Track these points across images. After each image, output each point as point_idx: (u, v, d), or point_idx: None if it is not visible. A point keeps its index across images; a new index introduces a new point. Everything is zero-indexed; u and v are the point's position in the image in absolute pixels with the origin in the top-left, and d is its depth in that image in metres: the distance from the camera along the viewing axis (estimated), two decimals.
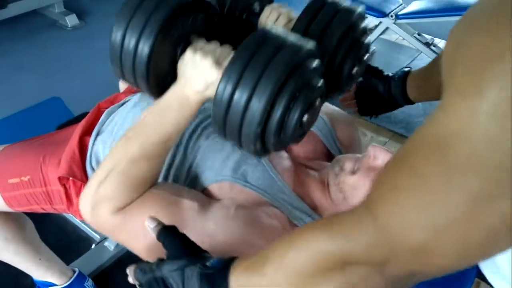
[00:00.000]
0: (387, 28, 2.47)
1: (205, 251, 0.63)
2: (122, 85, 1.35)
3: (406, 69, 1.02)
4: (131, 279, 0.64)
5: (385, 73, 1.06)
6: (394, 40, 3.00)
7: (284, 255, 0.52)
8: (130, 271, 0.64)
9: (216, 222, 0.74)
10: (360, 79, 1.05)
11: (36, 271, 1.28)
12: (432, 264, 0.43)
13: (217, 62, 0.68)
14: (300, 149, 0.89)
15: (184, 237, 0.65)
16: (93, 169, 0.96)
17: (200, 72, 0.69)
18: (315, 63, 0.67)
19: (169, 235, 0.65)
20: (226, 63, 0.66)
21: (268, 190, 0.80)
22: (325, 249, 0.48)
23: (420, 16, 2.40)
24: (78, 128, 1.02)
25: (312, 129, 0.89)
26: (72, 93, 2.04)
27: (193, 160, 0.85)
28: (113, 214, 0.72)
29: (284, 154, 0.87)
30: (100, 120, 1.02)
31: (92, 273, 1.49)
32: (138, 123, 0.75)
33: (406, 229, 0.42)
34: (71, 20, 2.96)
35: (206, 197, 0.80)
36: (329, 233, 0.48)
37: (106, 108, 1.05)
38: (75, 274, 1.37)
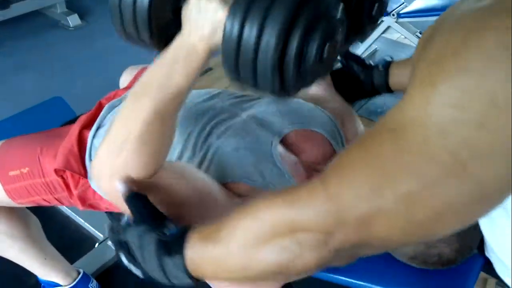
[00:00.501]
0: (388, 27, 2.47)
1: (168, 219, 0.63)
2: (123, 81, 1.36)
3: (388, 59, 1.02)
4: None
5: (367, 62, 1.06)
6: (396, 39, 2.99)
7: (238, 223, 0.53)
8: (106, 226, 0.67)
9: None
10: (339, 64, 1.06)
11: (41, 270, 1.28)
12: (375, 237, 0.46)
13: (225, 1, 0.62)
14: (310, 153, 0.88)
15: (150, 205, 0.65)
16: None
17: (206, 15, 0.63)
18: None
19: (136, 200, 0.65)
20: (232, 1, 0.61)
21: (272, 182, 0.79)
22: (278, 214, 0.50)
23: (421, 15, 2.40)
24: (78, 122, 1.02)
25: (320, 131, 0.89)
26: (74, 93, 2.05)
27: (203, 159, 0.84)
28: None
29: (294, 158, 0.86)
30: (101, 114, 1.01)
31: (95, 272, 1.49)
32: (145, 81, 0.69)
33: (353, 200, 0.45)
34: (73, 20, 2.97)
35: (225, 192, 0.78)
36: (282, 201, 0.50)
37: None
38: (80, 276, 1.37)
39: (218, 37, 0.62)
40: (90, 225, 1.62)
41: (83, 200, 0.99)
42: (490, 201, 0.42)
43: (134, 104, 0.68)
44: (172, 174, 0.73)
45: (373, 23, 0.81)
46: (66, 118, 1.44)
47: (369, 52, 2.73)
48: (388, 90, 1.02)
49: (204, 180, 0.76)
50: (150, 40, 0.72)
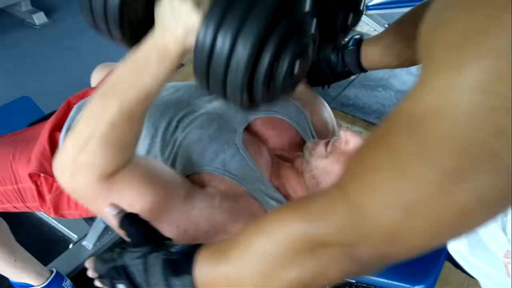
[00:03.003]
0: None
1: (169, 239, 0.61)
2: (94, 80, 1.34)
3: (357, 37, 0.99)
4: (90, 273, 0.62)
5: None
6: (365, 31, 3.04)
7: (251, 240, 0.50)
8: (89, 263, 0.62)
9: (201, 210, 0.73)
10: None
11: (12, 273, 1.26)
12: (404, 245, 0.42)
13: (198, 5, 0.60)
14: (276, 140, 0.90)
15: (147, 225, 0.63)
16: None
17: (180, 18, 0.61)
18: (307, 3, 0.61)
19: (132, 222, 0.63)
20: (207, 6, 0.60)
21: (246, 180, 0.80)
22: (295, 232, 0.46)
23: (390, 6, 2.44)
24: (48, 124, 1.00)
25: (285, 118, 0.90)
26: (42, 92, 2.00)
27: (170, 153, 0.84)
28: (97, 182, 0.68)
29: (261, 145, 0.87)
30: (70, 115, 1.00)
31: (70, 273, 1.47)
32: (114, 80, 0.67)
33: (378, 208, 0.41)
34: (39, 18, 2.90)
35: (192, 183, 0.78)
36: (300, 215, 0.47)
37: (76, 103, 1.04)
38: (53, 275, 1.35)
39: (191, 40, 0.60)
40: (63, 226, 1.60)
41: (56, 207, 0.98)
42: None
43: (101, 103, 0.67)
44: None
45: (347, 32, 0.80)
46: (34, 117, 1.41)
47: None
48: (361, 69, 0.99)
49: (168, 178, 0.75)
50: (121, 37, 0.70)
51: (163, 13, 0.63)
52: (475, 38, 0.34)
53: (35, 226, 1.62)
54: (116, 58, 1.58)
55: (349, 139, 0.78)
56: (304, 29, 0.61)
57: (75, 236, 1.57)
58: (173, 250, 0.57)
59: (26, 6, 2.93)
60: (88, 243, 1.53)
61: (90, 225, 1.52)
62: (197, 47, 0.58)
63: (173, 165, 0.83)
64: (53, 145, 0.97)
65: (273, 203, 0.79)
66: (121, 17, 0.66)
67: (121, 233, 0.64)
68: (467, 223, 0.40)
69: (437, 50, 0.37)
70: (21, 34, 2.83)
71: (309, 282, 0.47)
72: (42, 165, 0.93)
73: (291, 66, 0.59)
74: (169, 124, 0.87)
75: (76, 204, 0.97)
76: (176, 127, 0.87)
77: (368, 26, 2.72)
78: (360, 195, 0.42)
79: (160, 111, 0.90)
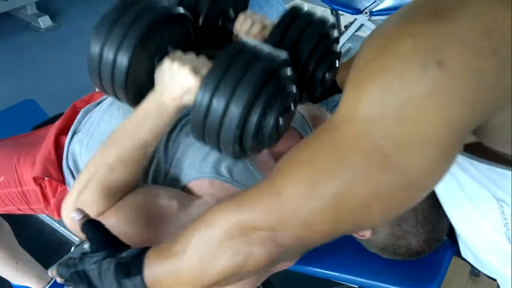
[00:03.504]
0: (362, 25, 2.50)
1: (126, 245, 0.64)
2: None
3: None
4: (57, 279, 0.66)
5: None
6: None
7: (193, 232, 0.55)
8: (52, 271, 0.66)
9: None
10: None
11: (13, 276, 1.26)
12: (315, 230, 0.49)
13: (195, 71, 0.70)
14: (280, 146, 0.90)
15: (107, 232, 0.66)
16: (69, 168, 0.95)
17: (178, 80, 0.71)
18: (289, 71, 0.71)
19: (93, 228, 0.66)
20: (203, 71, 0.70)
21: (249, 185, 0.80)
22: (229, 219, 0.52)
23: (394, 12, 2.44)
24: (54, 127, 1.01)
25: (292, 126, 0.90)
26: (47, 95, 2.01)
27: (172, 158, 0.85)
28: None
29: (264, 150, 0.87)
30: (76, 119, 1.01)
31: None
32: (117, 131, 0.76)
33: (295, 196, 0.48)
34: (44, 21, 2.92)
35: (187, 194, 0.80)
36: (234, 203, 0.53)
37: (82, 107, 1.04)
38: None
39: (187, 99, 0.71)
40: (65, 229, 1.59)
41: (60, 209, 0.97)
42: (415, 190, 0.46)
43: (102, 151, 0.76)
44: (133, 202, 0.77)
45: (325, 85, 0.87)
46: (38, 121, 1.42)
47: (344, 50, 2.76)
48: (336, 90, 1.03)
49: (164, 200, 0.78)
50: (126, 98, 0.77)
51: (162, 76, 0.73)
52: (372, 61, 0.44)
53: (37, 229, 1.62)
54: None
55: None
56: (286, 92, 0.70)
57: (77, 239, 1.55)
58: (124, 254, 0.60)
59: (31, 10, 2.95)
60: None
61: None
62: (195, 106, 0.67)
63: (174, 171, 0.84)
64: (58, 149, 0.97)
65: None
66: (126, 83, 0.74)
67: (83, 237, 0.67)
68: (366, 213, 0.47)
69: (351, 73, 0.47)
70: (26, 37, 2.84)
71: (241, 264, 0.52)
72: (47, 169, 0.94)
73: (276, 122, 0.69)
74: (173, 128, 0.88)
75: None
76: (180, 131, 0.87)
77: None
78: (282, 184, 0.49)
79: None
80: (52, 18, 2.97)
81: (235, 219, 0.52)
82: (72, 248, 1.56)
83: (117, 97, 0.79)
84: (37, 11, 2.97)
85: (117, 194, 0.76)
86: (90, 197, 0.74)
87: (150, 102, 0.74)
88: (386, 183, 0.44)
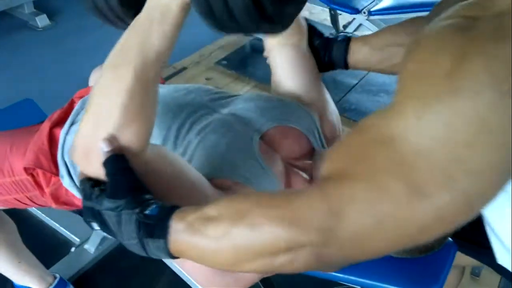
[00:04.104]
0: (360, 25, 2.50)
1: (147, 193, 0.60)
2: (92, 81, 1.34)
3: (348, 35, 1.01)
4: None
5: (325, 35, 1.04)
6: None
7: (234, 226, 0.52)
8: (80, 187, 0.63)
9: None
10: None
11: (15, 275, 1.26)
12: (368, 250, 0.48)
13: None
14: (289, 149, 0.88)
15: (130, 173, 0.60)
16: (64, 161, 0.92)
17: None
18: None
19: (117, 165, 0.60)
20: None
21: (266, 189, 0.78)
22: (279, 233, 0.49)
23: (393, 12, 2.44)
24: (49, 119, 0.99)
25: (298, 127, 0.90)
26: (45, 94, 2.01)
27: (183, 155, 0.82)
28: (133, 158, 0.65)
29: (275, 154, 0.87)
30: (74, 110, 0.98)
31: (72, 276, 1.47)
32: (120, 50, 0.66)
33: (353, 215, 0.46)
34: (42, 20, 2.91)
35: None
36: (285, 215, 0.50)
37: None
38: (56, 281, 1.35)
39: None
40: (65, 229, 1.59)
41: (56, 198, 0.96)
42: (475, 211, 0.45)
43: (114, 74, 0.64)
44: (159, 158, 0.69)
45: None
46: (36, 120, 1.41)
47: None
48: (345, 65, 1.00)
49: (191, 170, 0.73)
50: (120, 9, 0.71)
51: None
52: (442, 79, 0.41)
53: (37, 229, 1.61)
54: None
55: None
56: None
57: (77, 239, 1.56)
58: (147, 212, 0.57)
59: (29, 9, 2.94)
60: (90, 247, 1.53)
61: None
62: None
63: None
64: (52, 141, 0.95)
65: None
66: None
67: (98, 173, 0.62)
68: (425, 235, 0.46)
69: (408, 75, 0.44)
70: (24, 36, 2.83)
71: (277, 270, 0.51)
72: (38, 159, 0.92)
73: None
74: (182, 125, 0.86)
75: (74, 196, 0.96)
76: (190, 129, 0.85)
77: (370, 31, 2.72)
78: (340, 202, 0.47)
79: (173, 112, 0.88)
80: (49, 17, 2.96)
81: (284, 235, 0.49)
82: (73, 249, 1.56)
83: (111, 11, 0.71)
84: (35, 10, 2.96)
85: (144, 125, 0.65)
86: (118, 132, 0.63)
87: (150, 7, 0.64)
88: (450, 207, 0.43)
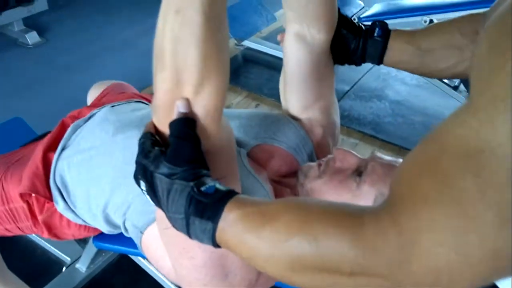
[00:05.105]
0: None
1: (206, 169, 0.55)
2: (90, 99, 1.32)
3: (386, 27, 0.88)
4: None
5: (358, 24, 0.90)
6: None
7: (292, 234, 0.46)
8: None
9: None
10: None
11: None
12: (446, 285, 0.40)
13: None
14: (275, 168, 0.86)
15: (195, 141, 0.55)
16: (56, 185, 0.92)
17: None
18: None
19: (184, 129, 0.54)
20: None
21: (260, 196, 0.76)
22: (343, 254, 0.44)
23: (382, 18, 2.44)
24: (42, 143, 0.98)
25: (283, 146, 0.87)
26: (35, 113, 1.99)
27: None
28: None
29: (262, 171, 0.84)
30: (65, 134, 0.98)
31: None
32: None
33: (433, 247, 0.38)
34: (32, 37, 2.90)
35: None
36: (352, 237, 0.43)
37: (71, 124, 1.02)
38: None
39: None
40: (56, 249, 1.56)
41: (48, 227, 0.96)
42: None
43: (181, 19, 0.53)
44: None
45: None
46: (26, 139, 1.40)
47: None
48: (380, 62, 0.88)
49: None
50: None
51: None
52: None
53: (27, 249, 1.59)
54: (109, 76, 1.57)
55: (342, 157, 0.77)
56: None
57: (68, 259, 1.54)
58: (203, 189, 0.52)
59: (18, 26, 2.93)
60: (82, 266, 1.50)
61: (83, 247, 1.50)
62: None
63: None
64: (46, 165, 0.94)
65: None
66: None
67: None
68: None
69: (496, 82, 0.36)
70: (14, 54, 2.82)
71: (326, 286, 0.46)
72: (34, 184, 0.91)
73: None
74: None
75: (69, 223, 0.95)
76: None
77: None
78: (415, 231, 0.39)
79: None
80: (39, 34, 2.95)
81: (348, 257, 0.43)
82: (64, 268, 1.54)
83: None
84: (24, 27, 2.95)
85: (221, 70, 0.56)
86: (195, 77, 0.54)
87: None
88: None
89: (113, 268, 1.54)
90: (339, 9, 0.88)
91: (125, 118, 0.94)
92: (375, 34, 0.86)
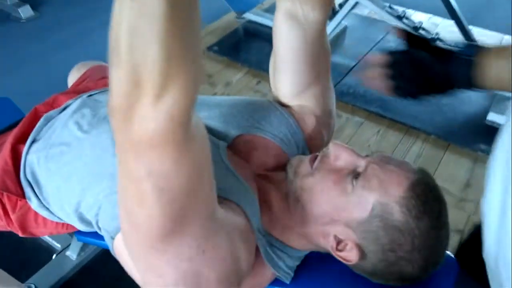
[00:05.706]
0: (357, 3, 2.37)
1: None
2: (70, 80, 1.25)
3: (474, 43, 0.74)
4: None
5: (434, 42, 0.77)
6: (366, 15, 2.90)
7: None
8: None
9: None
10: (394, 48, 0.79)
11: None
12: None
13: None
14: (259, 160, 0.79)
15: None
16: (28, 181, 0.85)
17: None
18: None
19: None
20: None
21: (244, 200, 0.67)
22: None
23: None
24: (11, 135, 0.90)
25: (268, 136, 0.79)
26: (24, 91, 1.92)
27: None
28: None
29: (245, 165, 0.76)
30: (37, 126, 0.91)
31: (54, 285, 1.40)
32: None
33: None
34: (25, 11, 2.80)
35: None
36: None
37: (45, 112, 0.94)
38: None
39: None
40: (47, 236, 1.51)
41: (22, 226, 0.90)
42: None
43: (137, 4, 0.41)
44: None
45: None
46: (14, 119, 1.33)
47: (339, 29, 2.64)
48: (470, 86, 0.72)
49: None
50: None
51: None
52: None
53: (16, 236, 1.54)
54: (103, 51, 1.48)
55: (340, 154, 0.68)
56: None
57: (58, 245, 1.49)
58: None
59: (11, 0, 2.83)
60: (72, 253, 1.46)
61: (71, 235, 1.44)
62: None
63: None
64: (16, 159, 0.87)
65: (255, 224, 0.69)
66: None
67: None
68: None
69: None
70: (7, 28, 2.74)
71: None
72: (4, 182, 0.85)
73: None
74: None
75: (45, 220, 0.89)
76: None
77: (368, 9, 2.59)
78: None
79: None
80: (33, 8, 2.85)
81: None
82: (54, 256, 1.49)
83: None
84: (17, 1, 2.86)
85: (188, 65, 0.43)
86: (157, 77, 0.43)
87: None
88: None
89: (104, 257, 1.49)
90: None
91: (99, 112, 0.86)
92: (463, 53, 0.74)
